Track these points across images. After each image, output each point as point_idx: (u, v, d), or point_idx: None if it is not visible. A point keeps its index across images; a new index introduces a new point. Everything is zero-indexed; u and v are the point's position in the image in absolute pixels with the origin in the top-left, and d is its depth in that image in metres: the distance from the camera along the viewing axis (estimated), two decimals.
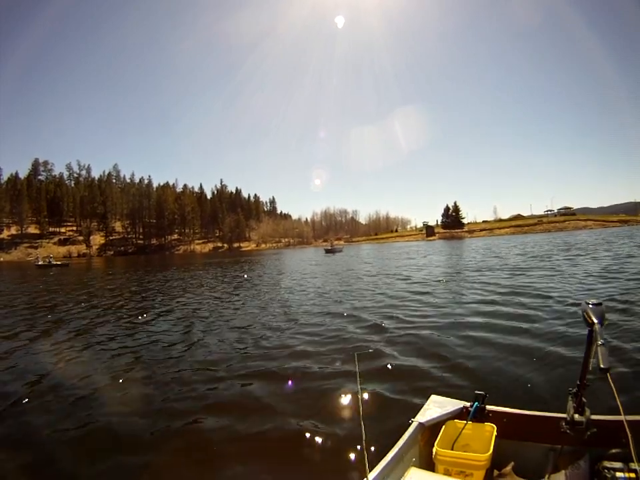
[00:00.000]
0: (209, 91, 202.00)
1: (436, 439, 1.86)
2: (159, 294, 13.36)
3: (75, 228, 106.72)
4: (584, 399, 1.67)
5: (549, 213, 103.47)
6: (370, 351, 4.98)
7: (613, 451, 1.68)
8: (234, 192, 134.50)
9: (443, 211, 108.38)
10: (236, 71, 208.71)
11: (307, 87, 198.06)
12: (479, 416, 1.99)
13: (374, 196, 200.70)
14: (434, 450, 1.80)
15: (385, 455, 1.68)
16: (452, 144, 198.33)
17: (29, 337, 7.04)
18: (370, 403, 3.48)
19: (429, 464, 1.83)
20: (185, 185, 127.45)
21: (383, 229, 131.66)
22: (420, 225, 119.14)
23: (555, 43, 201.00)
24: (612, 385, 1.28)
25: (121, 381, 4.47)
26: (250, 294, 12.21)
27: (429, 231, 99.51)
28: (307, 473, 2.60)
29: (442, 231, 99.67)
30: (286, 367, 4.66)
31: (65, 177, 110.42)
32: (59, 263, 44.74)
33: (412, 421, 1.96)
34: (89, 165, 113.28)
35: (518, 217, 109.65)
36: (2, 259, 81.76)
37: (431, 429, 1.96)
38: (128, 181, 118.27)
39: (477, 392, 2.04)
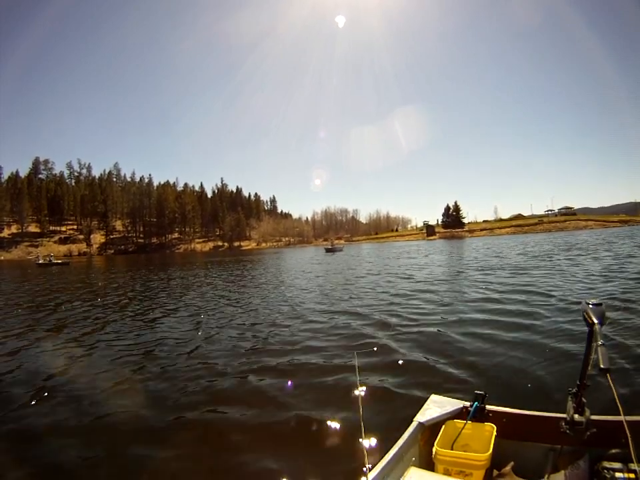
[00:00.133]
0: (209, 90, 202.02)
1: (436, 439, 1.86)
2: (164, 292, 13.43)
3: (75, 227, 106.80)
4: (584, 399, 1.67)
5: (549, 212, 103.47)
6: (374, 349, 5.02)
7: (613, 451, 1.68)
8: (234, 191, 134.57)
9: (443, 211, 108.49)
10: (236, 71, 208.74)
11: (307, 86, 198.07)
12: (479, 416, 1.99)
13: (374, 196, 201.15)
14: (434, 450, 1.80)
15: (384, 455, 1.68)
16: (452, 144, 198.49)
17: (37, 335, 7.05)
18: (370, 402, 3.47)
19: (428, 463, 1.83)
20: (186, 184, 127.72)
21: (383, 229, 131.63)
22: (420, 224, 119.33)
23: (555, 43, 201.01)
24: (612, 385, 1.27)
25: (132, 376, 4.56)
26: (254, 292, 12.26)
27: (429, 230, 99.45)
28: (307, 472, 2.60)
29: (442, 230, 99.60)
30: (288, 364, 4.72)
31: (66, 175, 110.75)
32: (59, 261, 44.80)
33: (412, 421, 1.96)
34: (89, 163, 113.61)
35: (518, 216, 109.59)
36: (2, 258, 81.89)
37: (431, 429, 1.96)
38: (128, 179, 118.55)
39: (476, 392, 2.04)
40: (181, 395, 3.96)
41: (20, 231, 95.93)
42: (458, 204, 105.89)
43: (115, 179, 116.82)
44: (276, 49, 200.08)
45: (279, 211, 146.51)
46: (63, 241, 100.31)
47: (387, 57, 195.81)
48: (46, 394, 4.10)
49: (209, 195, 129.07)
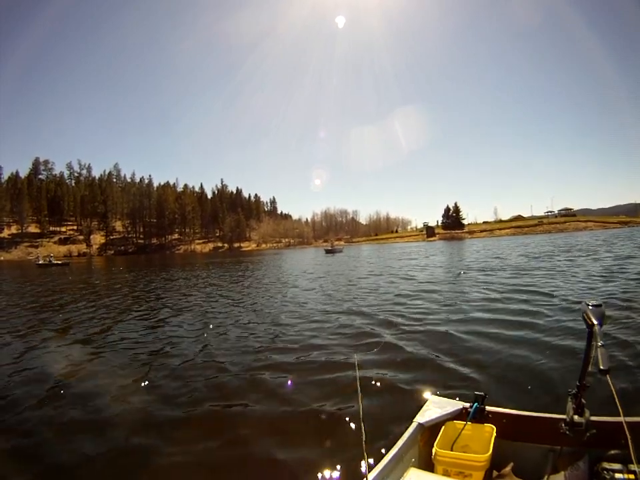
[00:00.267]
0: (209, 90, 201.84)
1: (435, 440, 1.86)
2: (167, 292, 13.47)
3: (75, 227, 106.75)
4: (583, 400, 1.67)
5: (549, 214, 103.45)
6: (377, 348, 5.05)
7: (612, 452, 1.68)
8: (234, 192, 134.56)
9: (443, 212, 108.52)
10: (236, 71, 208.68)
11: (307, 86, 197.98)
12: (479, 417, 1.99)
13: (374, 196, 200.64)
14: (433, 450, 1.80)
15: (384, 456, 1.68)
16: (452, 144, 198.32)
17: (44, 335, 7.04)
18: (371, 401, 3.46)
19: (428, 464, 1.83)
20: (186, 185, 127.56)
21: (383, 230, 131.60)
22: (420, 225, 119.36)
23: (555, 43, 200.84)
24: (611, 386, 1.27)
25: (141, 374, 4.64)
26: (258, 293, 12.33)
27: (429, 231, 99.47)
28: (307, 472, 2.60)
29: (442, 231, 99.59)
30: (291, 363, 4.80)
31: (66, 176, 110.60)
32: (59, 262, 44.76)
33: (412, 422, 1.96)
34: (89, 164, 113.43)
35: (518, 217, 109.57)
36: (2, 258, 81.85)
37: (431, 430, 1.96)
38: (128, 180, 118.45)
39: (476, 393, 2.04)
40: (191, 391, 4.05)
41: (20, 231, 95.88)
42: (458, 205, 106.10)
43: (114, 180, 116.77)
44: (276, 48, 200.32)
45: (279, 212, 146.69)
46: (63, 242, 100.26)
47: (387, 57, 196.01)
48: (59, 391, 4.17)
49: (209, 195, 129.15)
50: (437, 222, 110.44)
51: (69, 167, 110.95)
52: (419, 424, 1.94)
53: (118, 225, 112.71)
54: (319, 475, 2.55)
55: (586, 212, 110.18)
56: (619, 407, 1.26)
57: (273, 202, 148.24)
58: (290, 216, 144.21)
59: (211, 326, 7.19)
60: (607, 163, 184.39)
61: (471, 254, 28.27)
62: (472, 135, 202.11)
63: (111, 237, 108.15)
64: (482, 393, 2.03)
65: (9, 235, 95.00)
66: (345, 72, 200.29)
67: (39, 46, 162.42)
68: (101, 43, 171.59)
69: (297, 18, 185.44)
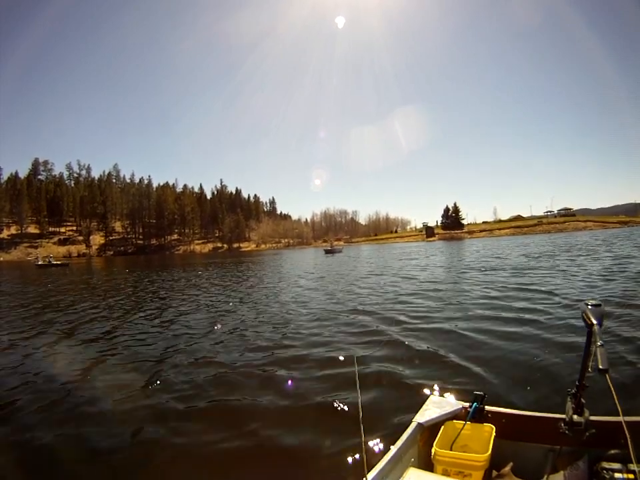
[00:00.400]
0: (209, 90, 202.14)
1: (435, 439, 1.86)
2: (170, 292, 13.49)
3: (74, 228, 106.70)
4: (583, 400, 1.66)
5: (548, 214, 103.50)
6: (379, 346, 5.07)
7: (612, 451, 1.68)
8: (234, 192, 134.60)
9: (442, 212, 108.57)
10: (236, 71, 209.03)
11: (307, 86, 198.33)
12: (478, 416, 1.99)
13: (374, 196, 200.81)
14: (433, 450, 1.80)
15: (383, 455, 1.68)
16: (452, 144, 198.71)
17: (50, 336, 7.01)
18: (371, 401, 3.46)
19: (427, 464, 1.83)
20: (185, 185, 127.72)
21: (382, 230, 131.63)
22: (420, 225, 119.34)
23: (555, 43, 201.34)
24: (611, 385, 1.27)
25: (150, 371, 4.71)
26: (260, 292, 12.36)
27: (428, 231, 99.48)
28: (307, 472, 2.59)
29: (442, 231, 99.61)
30: (293, 361, 4.81)
31: (65, 176, 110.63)
32: (58, 262, 44.74)
33: (411, 421, 1.96)
34: (88, 164, 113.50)
35: (518, 217, 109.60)
36: (2, 259, 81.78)
37: (430, 429, 1.96)
38: (128, 180, 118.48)
39: (475, 392, 2.04)
40: (197, 386, 4.14)
41: (19, 232, 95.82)
42: (457, 205, 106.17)
43: (114, 180, 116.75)
44: (276, 49, 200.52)
45: (278, 212, 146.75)
46: (62, 242, 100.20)
47: (387, 57, 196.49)
48: (68, 389, 4.20)
49: (209, 196, 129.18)
50: (437, 222, 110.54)
51: (69, 167, 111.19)
52: (419, 424, 1.94)
53: (117, 226, 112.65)
54: (319, 475, 2.55)
55: (585, 212, 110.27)
56: (619, 407, 1.26)
57: (273, 202, 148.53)
58: (289, 216, 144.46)
59: (217, 325, 7.23)
60: (606, 163, 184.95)
61: (470, 254, 28.28)
62: (472, 135, 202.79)
63: (111, 238, 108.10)
64: (481, 393, 2.03)
65: (8, 235, 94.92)
66: (344, 72, 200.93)
67: (38, 46, 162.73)
68: (100, 43, 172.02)
69: (296, 18, 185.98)
